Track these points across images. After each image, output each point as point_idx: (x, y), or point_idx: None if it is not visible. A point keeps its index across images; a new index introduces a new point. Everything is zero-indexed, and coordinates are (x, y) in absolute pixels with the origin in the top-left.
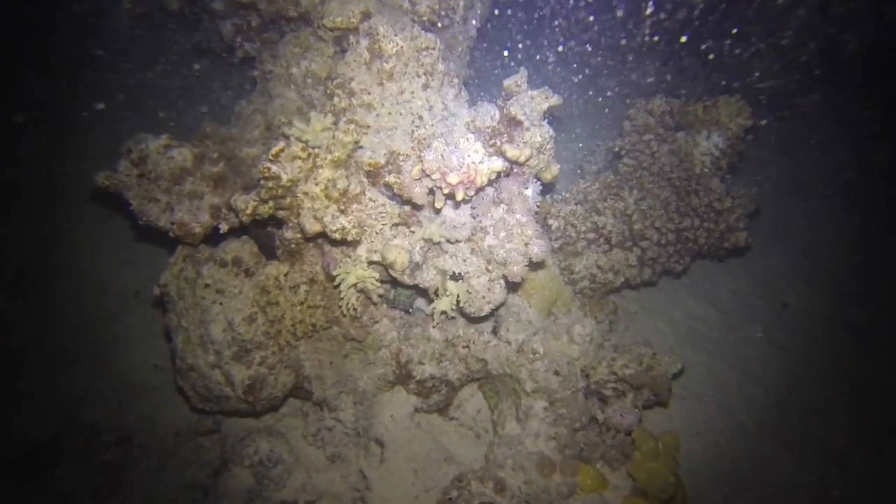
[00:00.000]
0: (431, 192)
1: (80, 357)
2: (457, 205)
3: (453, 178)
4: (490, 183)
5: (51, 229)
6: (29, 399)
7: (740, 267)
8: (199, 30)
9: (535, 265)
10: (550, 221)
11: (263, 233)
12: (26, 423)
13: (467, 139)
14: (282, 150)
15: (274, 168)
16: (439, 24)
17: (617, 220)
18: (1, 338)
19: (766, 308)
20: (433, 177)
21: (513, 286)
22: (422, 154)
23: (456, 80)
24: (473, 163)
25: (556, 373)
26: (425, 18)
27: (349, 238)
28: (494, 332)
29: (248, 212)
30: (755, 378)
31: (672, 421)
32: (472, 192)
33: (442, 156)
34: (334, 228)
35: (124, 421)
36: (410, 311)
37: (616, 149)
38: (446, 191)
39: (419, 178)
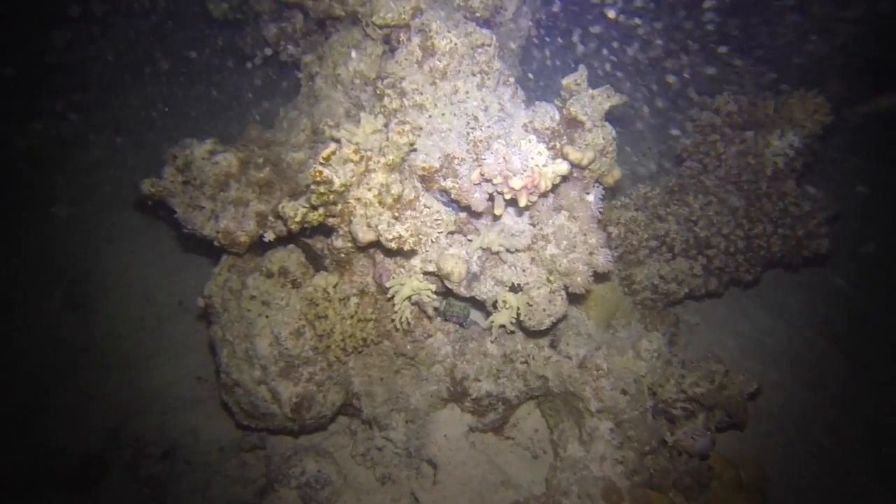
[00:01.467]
0: (491, 198)
1: (125, 369)
2: (520, 211)
3: (517, 183)
4: (552, 188)
5: (98, 239)
6: (77, 411)
7: (813, 276)
8: (242, 35)
9: (599, 276)
10: (610, 229)
11: (311, 241)
12: (74, 436)
13: (529, 140)
14: (333, 153)
15: (326, 172)
16: (495, 21)
17: (680, 227)
18: (52, 350)
19: (843, 321)
20: (494, 181)
21: (575, 298)
22: (480, 157)
23: (512, 80)
24: (537, 165)
25: (623, 391)
26: (478, 14)
27: (405, 247)
28: (553, 346)
29: (297, 219)
30: (835, 398)
31: (745, 445)
32: (535, 198)
33: (504, 158)
34: (390, 237)
35: (169, 434)
36: (464, 324)
37: (678, 151)
38: (508, 196)
39: (478, 183)
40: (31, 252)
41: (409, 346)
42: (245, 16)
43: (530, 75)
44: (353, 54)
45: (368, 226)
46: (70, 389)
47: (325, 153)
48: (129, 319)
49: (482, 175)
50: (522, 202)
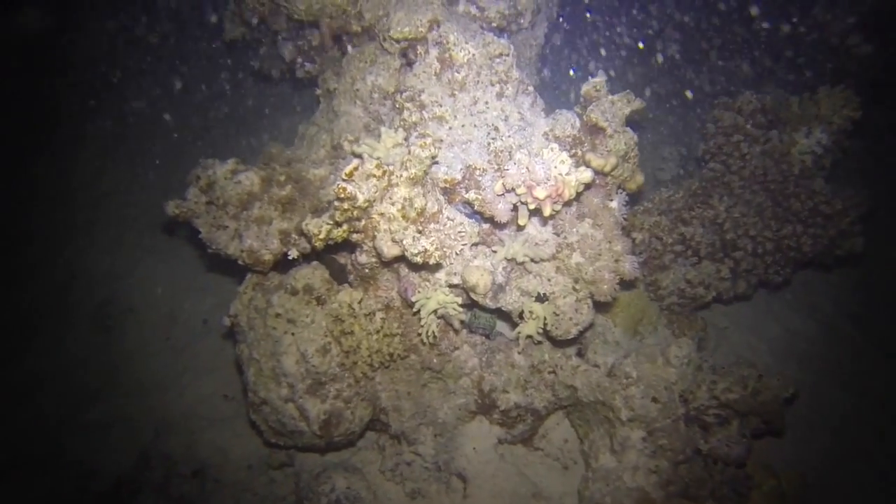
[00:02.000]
0: (514, 208)
1: (153, 389)
2: (544, 221)
3: (541, 193)
4: (575, 196)
5: (124, 260)
6: (108, 431)
7: (845, 275)
8: (258, 56)
9: (626, 283)
10: (634, 234)
11: (334, 257)
12: (106, 457)
13: (551, 149)
14: (356, 169)
15: (350, 188)
16: (511, 29)
17: (706, 230)
18: (82, 372)
19: (880, 320)
20: (518, 192)
21: (601, 306)
22: (502, 167)
23: (531, 88)
24: (561, 174)
25: (654, 399)
26: (495, 24)
27: (431, 262)
28: (580, 354)
29: (322, 236)
30: (876, 400)
31: (783, 452)
32: (559, 207)
33: (527, 168)
34: (415, 252)
35: (198, 453)
36: (490, 335)
37: (700, 153)
38: (532, 206)
39: (502, 194)
40: (58, 275)
41: (435, 360)
42: (262, 35)
43: (547, 72)
44: (371, 69)
45: (393, 241)
46: (101, 410)
47: (348, 169)
48: (156, 339)
49: (505, 186)
50: (547, 212)
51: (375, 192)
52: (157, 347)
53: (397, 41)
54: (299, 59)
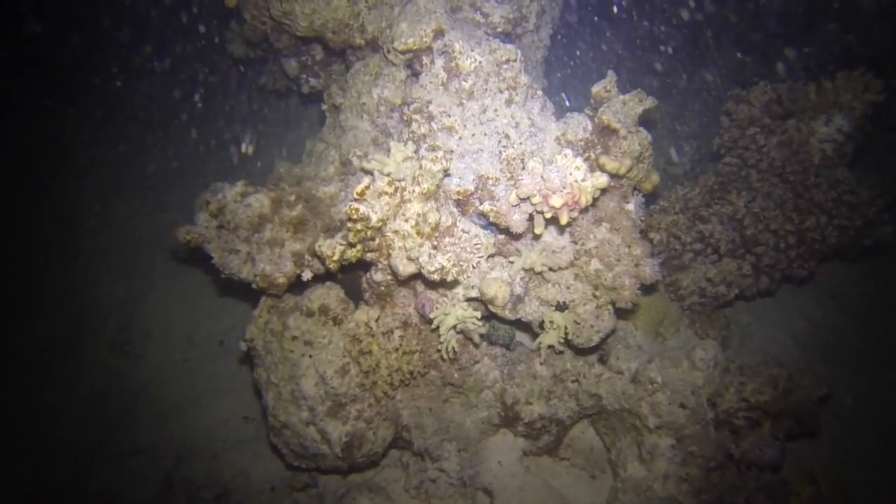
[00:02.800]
0: (530, 217)
1: (173, 412)
2: (560, 230)
3: (556, 201)
4: (592, 201)
5: (138, 285)
6: (131, 458)
7: (873, 265)
8: (263, 72)
9: (647, 288)
10: (651, 235)
11: (349, 276)
12: (130, 483)
13: (565, 155)
14: (367, 188)
15: (362, 209)
16: (516, 33)
17: (725, 227)
18: (102, 398)
19: None
20: (533, 201)
21: (622, 312)
22: (516, 176)
23: (540, 92)
24: (576, 181)
25: (682, 405)
26: (500, 29)
27: (449, 279)
28: (602, 360)
29: (336, 258)
30: None
31: (820, 454)
32: (575, 214)
33: (542, 177)
34: (432, 269)
35: (220, 476)
36: (510, 346)
37: (715, 147)
38: (549, 215)
39: (517, 204)
40: (73, 303)
41: (456, 375)
42: (265, 53)
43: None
44: (377, 82)
45: (409, 258)
46: (123, 438)
47: (360, 188)
48: (174, 363)
49: (520, 196)
50: (564, 220)
51: (388, 210)
52: (175, 371)
53: (402, 53)
54: (303, 75)
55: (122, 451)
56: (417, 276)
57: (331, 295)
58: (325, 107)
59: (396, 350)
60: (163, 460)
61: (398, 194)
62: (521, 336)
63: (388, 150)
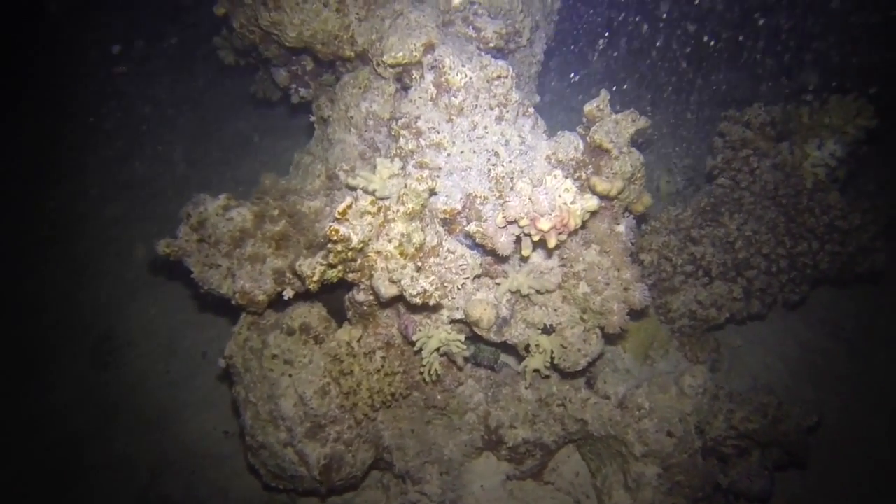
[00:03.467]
0: (517, 239)
1: (153, 425)
2: (548, 253)
3: (545, 224)
4: (582, 224)
5: (120, 295)
6: (109, 472)
7: (867, 290)
8: (253, 81)
9: (636, 313)
10: (642, 256)
11: (332, 294)
12: (107, 499)
13: (554, 176)
14: (349, 207)
15: (343, 230)
16: (509, 48)
17: (717, 249)
18: (79, 410)
19: None
20: (521, 223)
21: (611, 337)
22: (505, 196)
23: (531, 110)
24: (566, 203)
25: (669, 434)
26: (492, 45)
27: (431, 302)
28: (589, 384)
29: (316, 279)
30: None
31: (809, 482)
32: (564, 237)
33: (530, 199)
34: (414, 293)
35: (197, 493)
36: (496, 367)
37: (707, 168)
38: (536, 238)
39: (504, 226)
40: (56, 312)
41: (439, 396)
42: (256, 62)
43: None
44: (365, 95)
45: (391, 280)
46: (100, 452)
47: (341, 208)
48: (155, 374)
49: (507, 218)
50: (552, 243)
51: (371, 231)
52: (156, 382)
53: (392, 66)
54: (293, 85)
55: (97, 465)
56: (400, 297)
57: (312, 313)
58: (313, 118)
59: (378, 371)
60: (139, 476)
61: (381, 214)
62: (507, 358)
63: (375, 167)
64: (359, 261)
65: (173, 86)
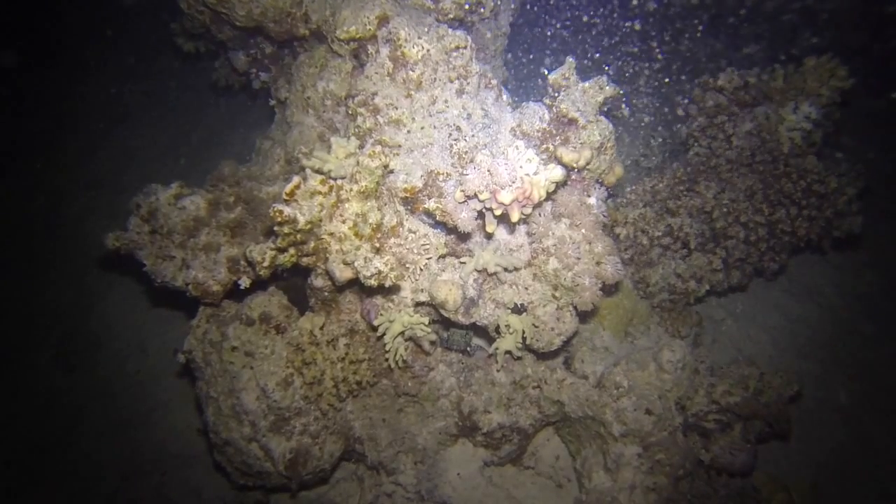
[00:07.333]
0: (481, 214)
1: (124, 426)
2: (511, 227)
3: (506, 197)
4: (548, 196)
5: (88, 293)
6: (74, 477)
7: (845, 255)
8: (214, 68)
9: (609, 288)
10: (617, 230)
11: (294, 281)
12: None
13: (516, 147)
14: (297, 187)
15: (287, 210)
16: (471, 20)
17: (694, 220)
18: (44, 415)
19: (886, 299)
20: (481, 197)
21: (586, 314)
22: (464, 172)
23: (494, 82)
24: (528, 174)
25: (648, 411)
26: (451, 16)
27: (387, 284)
28: (567, 364)
29: (266, 264)
30: (890, 388)
31: (792, 456)
32: (528, 210)
33: (489, 171)
34: (368, 274)
35: (169, 495)
36: (469, 350)
37: (682, 137)
38: (498, 212)
39: (464, 202)
40: (19, 311)
41: (409, 383)
42: (215, 48)
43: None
44: (322, 74)
45: (345, 262)
46: (66, 457)
47: (288, 188)
48: (125, 374)
49: (466, 192)
50: (514, 217)
51: (321, 211)
52: (125, 383)
53: (346, 42)
54: (253, 70)
55: (63, 471)
56: (356, 280)
57: (273, 302)
58: (272, 102)
59: (342, 360)
60: (107, 480)
61: (334, 193)
62: (479, 341)
63: (331, 147)
64: (312, 244)
65: (135, 79)
